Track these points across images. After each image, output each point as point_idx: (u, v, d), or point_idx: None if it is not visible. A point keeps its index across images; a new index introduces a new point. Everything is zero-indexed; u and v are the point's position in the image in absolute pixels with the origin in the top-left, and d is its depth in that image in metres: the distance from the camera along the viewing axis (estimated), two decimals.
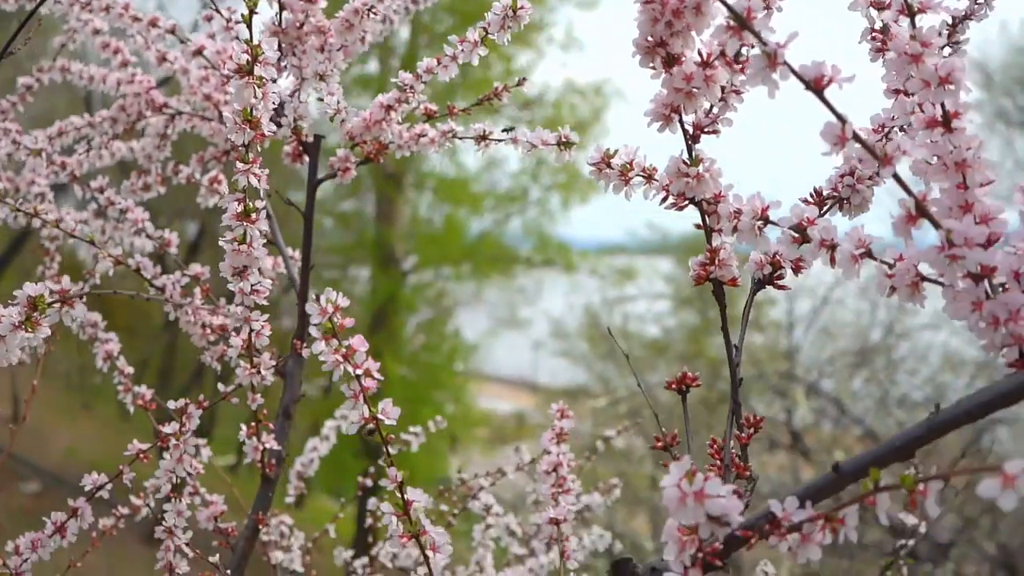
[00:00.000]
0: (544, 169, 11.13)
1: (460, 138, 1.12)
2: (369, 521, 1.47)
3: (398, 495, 0.77)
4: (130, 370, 1.24)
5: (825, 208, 0.82)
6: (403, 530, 0.77)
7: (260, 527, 1.15)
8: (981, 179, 0.64)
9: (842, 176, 0.81)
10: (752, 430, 0.74)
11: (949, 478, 0.53)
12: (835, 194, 0.82)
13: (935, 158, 0.65)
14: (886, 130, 0.82)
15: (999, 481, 0.48)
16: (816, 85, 0.60)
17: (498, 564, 1.57)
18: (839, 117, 0.60)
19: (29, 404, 1.32)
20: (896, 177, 0.61)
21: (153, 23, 1.24)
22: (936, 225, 0.61)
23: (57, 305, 0.79)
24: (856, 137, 0.60)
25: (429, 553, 0.77)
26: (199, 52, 1.23)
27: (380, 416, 0.75)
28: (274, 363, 1.04)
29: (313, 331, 0.74)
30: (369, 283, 11.24)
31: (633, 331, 10.03)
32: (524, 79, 1.18)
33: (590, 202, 11.22)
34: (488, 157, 11.34)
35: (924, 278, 0.65)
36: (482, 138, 1.10)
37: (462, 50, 1.04)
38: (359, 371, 0.74)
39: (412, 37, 9.51)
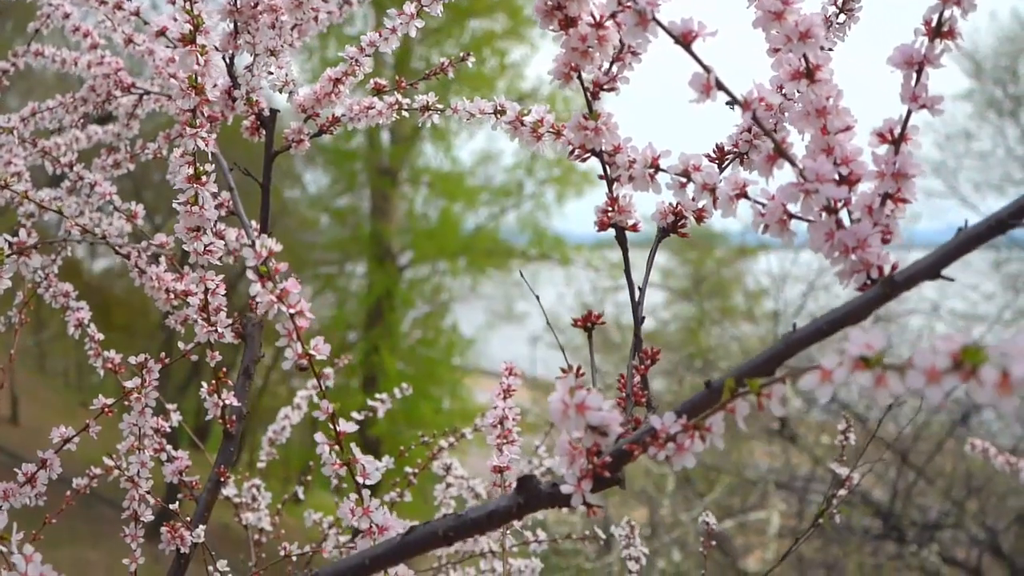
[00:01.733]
0: (539, 163, 11.20)
1: (406, 110, 1.19)
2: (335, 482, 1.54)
3: (331, 427, 0.84)
4: (100, 336, 1.31)
5: (726, 162, 0.88)
6: (336, 459, 0.84)
7: (222, 480, 1.21)
8: (840, 125, 0.70)
9: (742, 132, 0.88)
10: (650, 361, 0.81)
11: (788, 380, 0.59)
12: (735, 149, 0.88)
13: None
14: (783, 89, 0.89)
15: (817, 376, 0.55)
16: (684, 40, 0.67)
17: None
18: (704, 68, 0.67)
19: (6, 373, 1.38)
20: (756, 120, 0.68)
21: (118, 6, 1.30)
22: (792, 163, 0.68)
23: (15, 257, 0.85)
24: (719, 85, 0.67)
25: (360, 479, 0.84)
26: (162, 33, 1.30)
27: (312, 352, 0.82)
28: (230, 321, 1.11)
29: (249, 274, 0.80)
30: (365, 278, 11.30)
31: (627, 322, 10.10)
32: (468, 54, 1.25)
33: (585, 196, 11.28)
34: (483, 152, 11.40)
35: (791, 215, 0.71)
36: (425, 108, 1.17)
37: (400, 23, 1.11)
38: (293, 311, 0.81)
39: None
